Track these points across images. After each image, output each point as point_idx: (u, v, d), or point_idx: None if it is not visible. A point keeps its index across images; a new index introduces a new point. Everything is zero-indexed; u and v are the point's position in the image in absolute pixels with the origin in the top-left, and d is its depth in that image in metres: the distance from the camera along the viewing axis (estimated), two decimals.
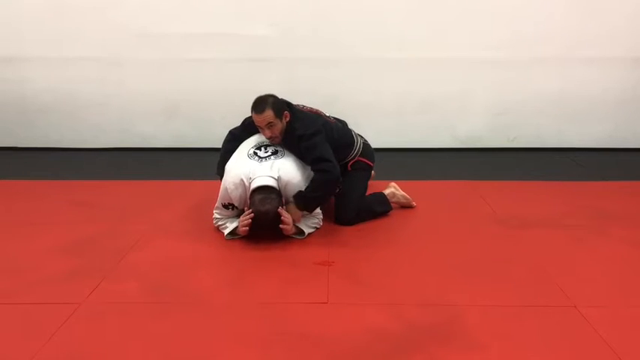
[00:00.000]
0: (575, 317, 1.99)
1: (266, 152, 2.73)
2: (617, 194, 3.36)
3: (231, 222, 2.67)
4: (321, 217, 2.79)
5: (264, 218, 2.54)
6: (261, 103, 2.68)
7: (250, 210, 2.56)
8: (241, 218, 2.60)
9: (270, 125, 2.69)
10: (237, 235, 2.64)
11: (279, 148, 2.76)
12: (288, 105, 2.80)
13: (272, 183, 2.58)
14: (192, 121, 4.45)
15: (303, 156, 2.76)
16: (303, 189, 2.63)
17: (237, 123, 3.03)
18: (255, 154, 2.72)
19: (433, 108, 4.42)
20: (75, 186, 3.52)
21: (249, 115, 2.82)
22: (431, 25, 4.22)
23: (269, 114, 2.66)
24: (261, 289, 2.20)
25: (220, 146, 3.13)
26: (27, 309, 2.05)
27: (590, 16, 4.19)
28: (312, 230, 2.72)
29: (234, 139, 2.94)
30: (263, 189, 2.56)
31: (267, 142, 2.79)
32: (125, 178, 3.70)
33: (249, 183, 2.59)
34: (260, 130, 2.76)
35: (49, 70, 4.33)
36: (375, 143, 4.42)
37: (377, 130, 4.43)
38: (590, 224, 2.87)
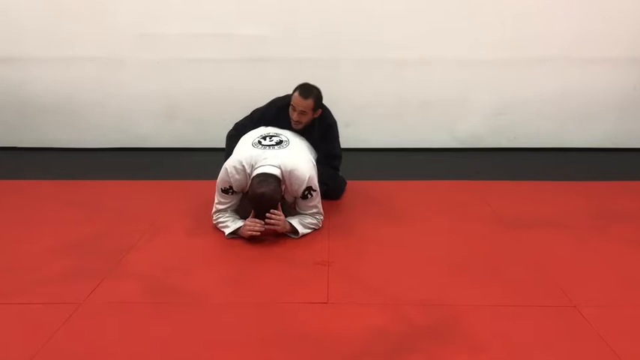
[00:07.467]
0: (575, 317, 2.00)
1: (270, 141, 2.74)
2: (618, 194, 3.36)
3: (233, 222, 2.66)
4: (322, 217, 2.78)
5: (260, 200, 2.51)
6: (309, 90, 2.91)
7: (262, 222, 2.55)
8: (249, 222, 2.58)
9: (303, 113, 2.90)
10: (237, 234, 2.64)
11: (283, 139, 2.77)
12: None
13: (275, 172, 2.57)
14: (192, 121, 4.44)
15: (323, 138, 3.01)
16: (307, 177, 2.61)
17: None
18: (260, 142, 2.73)
19: (433, 108, 4.42)
20: (74, 186, 3.51)
21: (255, 108, 3.04)
22: (431, 25, 4.21)
23: (310, 103, 2.90)
24: (261, 289, 2.20)
25: (222, 146, 3.13)
26: (27, 309, 2.05)
27: (591, 16, 4.18)
28: (309, 231, 2.71)
29: (240, 134, 2.96)
30: (264, 174, 2.55)
31: (272, 132, 2.84)
32: (125, 178, 3.69)
33: (251, 171, 2.58)
34: (291, 109, 2.92)
35: (49, 70, 4.33)
36: (375, 143, 4.45)
37: (377, 130, 4.45)
38: (590, 224, 2.87)
